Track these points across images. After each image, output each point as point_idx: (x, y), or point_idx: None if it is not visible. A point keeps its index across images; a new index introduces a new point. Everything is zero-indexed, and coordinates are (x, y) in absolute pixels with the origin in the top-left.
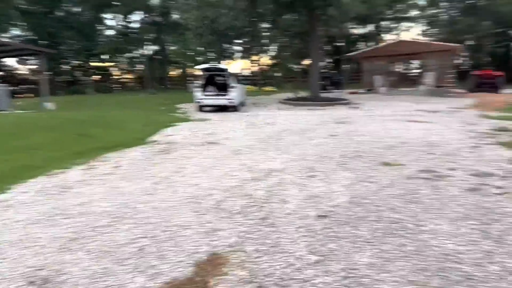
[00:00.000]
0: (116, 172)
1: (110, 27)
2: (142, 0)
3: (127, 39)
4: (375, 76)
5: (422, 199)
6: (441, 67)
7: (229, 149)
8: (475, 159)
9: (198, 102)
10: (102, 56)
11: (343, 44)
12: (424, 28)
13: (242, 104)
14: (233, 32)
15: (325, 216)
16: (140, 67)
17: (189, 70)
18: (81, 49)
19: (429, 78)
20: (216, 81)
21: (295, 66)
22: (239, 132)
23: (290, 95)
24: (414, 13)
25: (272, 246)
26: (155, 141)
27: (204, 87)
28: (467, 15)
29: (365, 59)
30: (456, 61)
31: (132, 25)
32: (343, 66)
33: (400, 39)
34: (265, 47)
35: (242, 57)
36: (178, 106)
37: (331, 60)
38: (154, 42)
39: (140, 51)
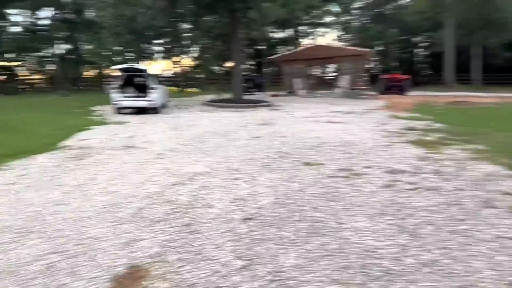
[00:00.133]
0: (22, 181)
1: (16, 24)
2: None
3: (35, 37)
4: (294, 79)
5: (342, 197)
6: (355, 71)
7: (150, 153)
8: (388, 157)
9: (116, 104)
10: (7, 55)
11: (264, 47)
12: (339, 33)
13: (163, 106)
14: (152, 32)
15: (250, 219)
16: (51, 67)
17: (105, 71)
18: None
19: (344, 81)
20: (135, 82)
21: (218, 68)
22: (160, 135)
23: (213, 97)
24: (329, 19)
25: (196, 254)
26: (67, 146)
27: (122, 88)
28: (377, 22)
29: (285, 62)
30: (367, 65)
31: (41, 22)
32: (265, 68)
33: (317, 43)
34: (187, 48)
35: (163, 58)
36: (94, 108)
37: (253, 63)
38: (66, 40)
39: (51, 50)
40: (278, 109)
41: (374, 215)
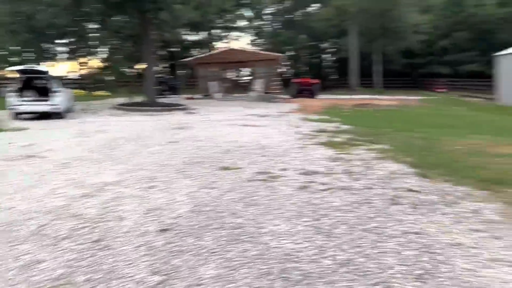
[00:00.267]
0: None
1: None
2: None
3: None
4: (210, 82)
5: (260, 200)
6: (268, 75)
7: (54, 163)
8: (302, 158)
9: (13, 109)
10: None
11: (177, 49)
12: (252, 38)
13: (68, 110)
14: (54, 31)
15: (167, 230)
16: None
17: (0, 72)
18: None
19: (259, 85)
20: (36, 85)
21: (129, 70)
22: (65, 142)
23: (124, 100)
24: (242, 23)
25: (107, 272)
26: None
27: (20, 91)
28: (287, 28)
29: (199, 65)
30: (280, 70)
31: None
32: (179, 71)
33: (231, 47)
34: (94, 49)
35: (68, 59)
36: None
37: (166, 65)
38: None
39: None
40: (194, 113)
41: (292, 218)
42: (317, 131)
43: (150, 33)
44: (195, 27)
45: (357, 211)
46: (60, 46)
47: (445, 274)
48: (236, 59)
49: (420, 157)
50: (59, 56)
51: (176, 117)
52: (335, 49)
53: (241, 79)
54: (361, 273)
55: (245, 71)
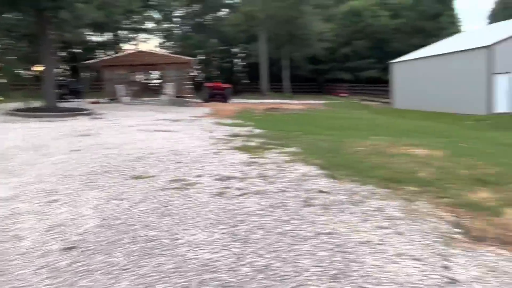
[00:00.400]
0: None
1: None
2: None
3: None
4: (117, 86)
5: (175, 210)
6: (180, 78)
7: None
8: (217, 164)
9: None
10: None
11: (80, 51)
12: (161, 40)
13: None
14: None
15: (72, 248)
16: None
17: None
18: None
19: (170, 89)
20: None
21: (24, 72)
22: None
23: (19, 105)
24: (150, 25)
25: None
26: None
27: None
28: (197, 32)
29: (105, 67)
30: (191, 73)
31: None
32: (82, 74)
33: (140, 49)
34: None
35: None
36: None
37: (68, 67)
38: None
39: None
40: (100, 118)
41: (208, 226)
42: (231, 136)
43: (49, 33)
44: (99, 27)
45: (273, 215)
46: None
47: (357, 272)
48: (145, 62)
49: (328, 159)
50: None
51: (80, 122)
52: (246, 54)
53: (151, 82)
54: (279, 278)
55: (155, 74)
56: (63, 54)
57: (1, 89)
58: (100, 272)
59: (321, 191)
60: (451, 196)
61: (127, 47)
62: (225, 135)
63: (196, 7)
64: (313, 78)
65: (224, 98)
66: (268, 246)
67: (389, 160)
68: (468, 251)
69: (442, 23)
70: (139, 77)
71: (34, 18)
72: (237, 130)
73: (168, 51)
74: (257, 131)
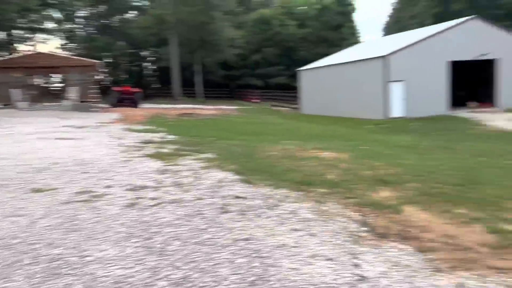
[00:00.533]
0: None
1: None
2: None
3: None
4: (12, 90)
5: (82, 225)
6: (84, 82)
7: None
8: (128, 173)
9: None
10: None
11: None
12: (63, 42)
13: None
14: None
15: None
16: None
17: None
18: None
19: (73, 93)
20: None
21: None
22: None
23: None
24: (50, 25)
25: None
26: None
27: None
28: (103, 34)
29: None
30: (97, 77)
31: None
32: None
33: (38, 51)
34: None
35: None
36: None
37: None
38: None
39: None
40: None
41: (120, 240)
42: (143, 142)
43: None
44: None
45: (190, 224)
46: None
47: (274, 276)
48: (44, 64)
49: (243, 164)
50: None
51: None
52: (156, 58)
53: (51, 86)
54: None
55: (56, 77)
56: None
57: None
58: None
59: (237, 197)
60: (357, 196)
61: (24, 48)
62: (136, 142)
63: (101, 8)
64: (225, 84)
65: (133, 103)
66: (185, 257)
67: (300, 163)
68: (375, 248)
69: (344, 33)
70: (38, 80)
71: None
72: (149, 136)
73: (71, 53)
74: (170, 137)
